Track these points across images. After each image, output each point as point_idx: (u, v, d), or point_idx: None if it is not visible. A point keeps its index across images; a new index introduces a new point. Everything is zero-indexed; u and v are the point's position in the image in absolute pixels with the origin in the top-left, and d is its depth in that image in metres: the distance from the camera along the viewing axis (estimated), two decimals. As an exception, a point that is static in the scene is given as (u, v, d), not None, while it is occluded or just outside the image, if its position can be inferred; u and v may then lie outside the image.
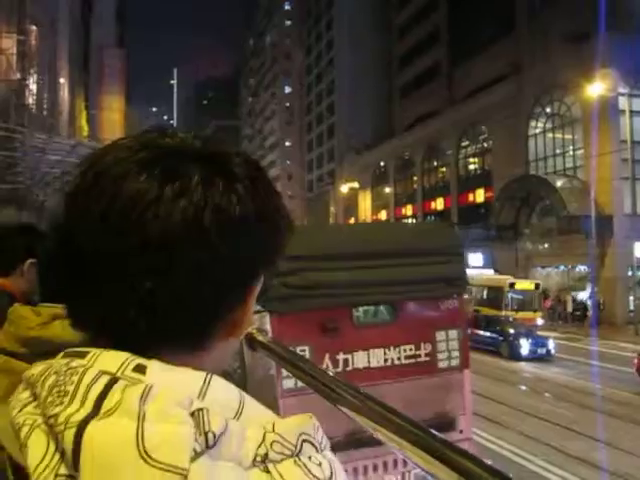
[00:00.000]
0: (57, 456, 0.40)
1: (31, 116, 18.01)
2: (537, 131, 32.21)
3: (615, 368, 16.31)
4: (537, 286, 24.41)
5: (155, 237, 0.45)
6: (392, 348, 4.72)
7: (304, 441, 0.43)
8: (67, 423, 0.40)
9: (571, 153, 30.42)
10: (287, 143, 78.17)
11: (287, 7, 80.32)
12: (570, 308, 26.94)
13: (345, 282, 4.51)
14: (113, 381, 0.42)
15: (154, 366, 0.44)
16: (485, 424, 11.48)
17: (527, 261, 30.74)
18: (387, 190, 49.31)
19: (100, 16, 47.51)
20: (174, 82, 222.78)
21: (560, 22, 29.54)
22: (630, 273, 25.82)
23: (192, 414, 0.40)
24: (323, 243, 4.61)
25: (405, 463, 4.18)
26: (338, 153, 61.03)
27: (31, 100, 19.56)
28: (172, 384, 0.42)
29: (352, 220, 55.25)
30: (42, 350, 0.55)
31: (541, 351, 18.36)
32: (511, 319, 21.13)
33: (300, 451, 0.43)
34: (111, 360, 0.44)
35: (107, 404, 0.40)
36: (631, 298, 25.97)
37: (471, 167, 39.84)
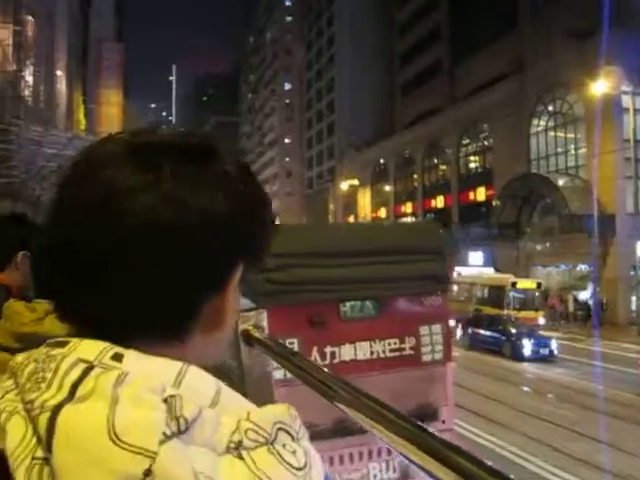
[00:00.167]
0: (34, 440, 0.41)
1: (27, 108, 17.76)
2: (539, 129, 32.02)
3: (618, 369, 16.17)
4: (539, 285, 24.30)
5: (124, 228, 0.46)
6: (378, 341, 4.97)
7: (279, 429, 0.44)
8: (42, 408, 0.41)
9: (573, 152, 30.24)
10: (287, 140, 77.89)
11: (288, 3, 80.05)
12: (572, 308, 26.76)
13: (330, 278, 4.76)
14: (90, 368, 0.43)
15: (131, 355, 0.45)
16: (487, 425, 11.31)
17: (528, 260, 30.58)
18: (387, 188, 49.11)
19: (99, 9, 47.20)
20: (173, 78, 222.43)
21: (563, 19, 29.26)
22: (632, 273, 25.65)
23: (165, 400, 0.41)
24: (308, 241, 4.88)
25: (389, 452, 4.14)
26: (338, 150, 60.81)
27: (27, 92, 19.30)
28: (148, 372, 0.43)
29: (351, 217, 55.10)
30: (36, 345, 0.51)
31: (544, 351, 18.18)
32: (513, 318, 20.94)
33: (275, 439, 0.43)
34: (89, 348, 0.45)
35: (82, 389, 0.41)
36: (634, 298, 25.81)
37: (472, 165, 39.67)
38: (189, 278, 0.48)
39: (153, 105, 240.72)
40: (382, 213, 50.75)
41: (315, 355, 4.72)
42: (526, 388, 15.26)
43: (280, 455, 0.42)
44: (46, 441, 0.40)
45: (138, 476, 0.38)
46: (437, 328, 5.26)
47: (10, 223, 1.91)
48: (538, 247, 30.31)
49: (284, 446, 0.43)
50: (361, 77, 58.42)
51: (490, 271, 30.08)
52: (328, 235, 5.43)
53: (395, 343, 5.05)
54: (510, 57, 34.04)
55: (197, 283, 0.48)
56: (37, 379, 0.43)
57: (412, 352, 5.10)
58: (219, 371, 0.46)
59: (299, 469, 0.43)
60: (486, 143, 37.57)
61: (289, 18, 78.88)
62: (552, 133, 31.42)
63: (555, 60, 28.43)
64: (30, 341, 0.86)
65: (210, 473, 0.40)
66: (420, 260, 5.17)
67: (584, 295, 27.33)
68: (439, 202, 42.19)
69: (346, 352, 4.85)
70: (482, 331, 20.07)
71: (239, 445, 0.42)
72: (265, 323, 1.26)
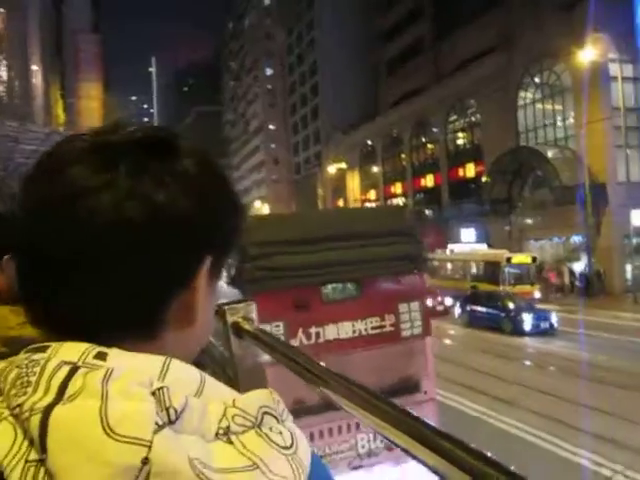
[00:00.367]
0: (26, 443, 0.40)
1: (1, 104, 17.13)
2: (527, 102, 31.69)
3: (620, 339, 16.06)
4: (534, 259, 24.19)
5: (83, 226, 0.46)
6: (359, 320, 5.30)
7: (265, 413, 0.46)
8: (32, 410, 0.41)
9: (561, 123, 29.96)
10: (271, 126, 76.99)
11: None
12: (567, 280, 26.68)
13: (312, 263, 5.07)
14: (75, 369, 0.43)
15: (114, 352, 0.45)
16: (491, 402, 11.14)
17: (521, 234, 30.43)
18: (375, 169, 48.66)
19: (72, 2, 46.03)
20: (153, 70, 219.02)
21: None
22: (626, 241, 25.57)
23: (153, 393, 0.42)
24: (289, 229, 5.23)
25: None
26: (324, 134, 60.14)
27: (1, 88, 18.62)
28: (133, 367, 0.44)
29: (341, 201, 54.68)
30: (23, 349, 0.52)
31: (544, 325, 18.04)
32: (511, 294, 20.79)
33: (261, 422, 0.45)
34: (72, 350, 0.45)
35: (71, 389, 0.42)
36: (628, 267, 25.76)
37: (460, 142, 39.29)
38: (153, 275, 0.48)
39: (134, 98, 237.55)
40: (372, 195, 50.34)
41: (301, 336, 5.03)
42: (528, 362, 15.14)
43: (268, 437, 0.44)
44: (40, 442, 0.39)
45: (136, 466, 0.38)
46: (415, 305, 5.58)
47: None
48: (530, 221, 30.15)
49: (271, 428, 0.45)
50: (343, 58, 57.61)
51: (483, 247, 29.98)
52: (307, 222, 5.77)
53: (376, 321, 5.37)
54: (496, 31, 33.55)
55: (162, 280, 0.49)
56: (22, 384, 0.43)
57: (392, 329, 5.42)
58: (218, 364, 0.48)
59: (287, 448, 0.45)
60: (474, 119, 37.17)
61: (267, 1, 77.56)
62: (540, 105, 31.08)
63: (544, 31, 28.02)
64: (17, 345, 0.84)
65: (205, 459, 0.41)
66: (395, 242, 5.49)
67: (579, 266, 27.24)
68: (429, 181, 41.84)
69: (330, 332, 5.17)
70: (480, 308, 19.91)
71: (227, 431, 0.43)
72: (254, 315, 1.26)
